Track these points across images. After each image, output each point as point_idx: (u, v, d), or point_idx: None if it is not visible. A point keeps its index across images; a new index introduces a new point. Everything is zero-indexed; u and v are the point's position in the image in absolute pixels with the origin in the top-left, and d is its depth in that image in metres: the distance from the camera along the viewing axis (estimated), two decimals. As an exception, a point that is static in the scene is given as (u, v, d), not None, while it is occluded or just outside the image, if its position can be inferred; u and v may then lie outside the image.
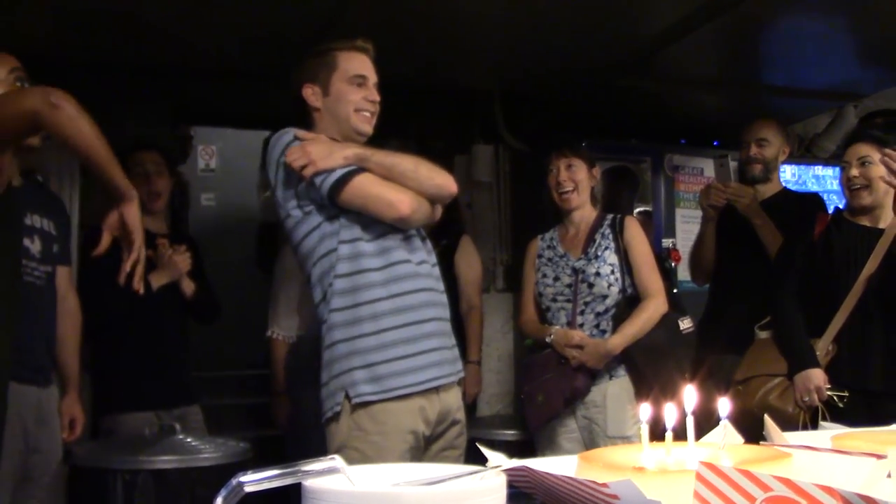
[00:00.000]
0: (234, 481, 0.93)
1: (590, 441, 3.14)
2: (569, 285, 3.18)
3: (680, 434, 1.10)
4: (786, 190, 3.85)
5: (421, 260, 2.41)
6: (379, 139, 2.58)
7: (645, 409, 1.10)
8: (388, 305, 2.31)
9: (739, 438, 1.25)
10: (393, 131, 4.61)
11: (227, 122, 5.23)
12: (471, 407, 4.04)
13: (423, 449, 2.38)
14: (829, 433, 1.30)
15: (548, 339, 3.16)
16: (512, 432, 3.49)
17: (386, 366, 2.29)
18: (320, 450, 2.44)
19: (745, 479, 0.80)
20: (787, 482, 0.77)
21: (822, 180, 5.15)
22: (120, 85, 4.00)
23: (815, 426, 2.93)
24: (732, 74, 4.29)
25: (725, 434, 1.09)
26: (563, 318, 3.18)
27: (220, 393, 4.51)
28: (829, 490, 0.73)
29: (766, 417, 1.31)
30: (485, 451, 1.17)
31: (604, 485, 0.93)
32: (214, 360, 4.71)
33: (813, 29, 3.69)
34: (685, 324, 3.19)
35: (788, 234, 3.30)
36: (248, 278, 4.81)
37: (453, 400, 2.44)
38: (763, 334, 3.22)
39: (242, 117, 4.95)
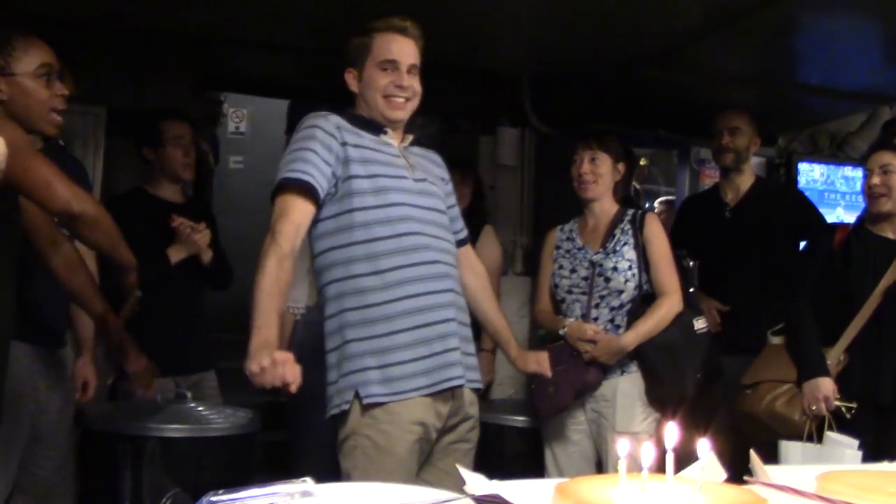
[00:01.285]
0: (204, 500, 0.94)
1: (597, 435, 3.14)
2: (585, 278, 3.17)
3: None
4: (760, 180, 3.91)
5: (436, 260, 2.38)
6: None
7: (623, 445, 1.10)
8: (402, 307, 2.29)
9: (722, 474, 1.25)
10: (419, 110, 4.63)
11: (255, 90, 5.23)
12: (483, 391, 4.06)
13: (433, 441, 2.38)
14: (814, 472, 1.29)
15: (561, 332, 3.16)
16: (522, 418, 3.47)
17: (399, 368, 2.28)
18: (322, 425, 2.48)
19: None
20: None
21: (851, 182, 5.08)
22: (149, 51, 4.02)
23: (820, 436, 2.93)
24: (765, 71, 4.22)
25: (703, 475, 1.09)
26: (578, 310, 3.17)
27: (235, 356, 4.56)
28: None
29: (752, 454, 1.30)
30: (463, 472, 1.18)
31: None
32: (234, 323, 4.76)
33: (849, 29, 3.62)
34: (700, 323, 3.16)
35: (809, 240, 3.28)
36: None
37: (467, 397, 2.44)
38: (776, 340, 3.20)
39: (270, 86, 4.96)
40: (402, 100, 2.40)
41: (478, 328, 3.92)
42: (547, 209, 4.49)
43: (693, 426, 3.65)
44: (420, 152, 2.54)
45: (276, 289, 2.16)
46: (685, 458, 1.18)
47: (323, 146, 2.29)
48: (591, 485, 1.11)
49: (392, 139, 2.44)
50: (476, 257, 2.75)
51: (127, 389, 3.40)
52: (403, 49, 2.40)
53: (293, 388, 2.05)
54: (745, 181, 3.76)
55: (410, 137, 2.51)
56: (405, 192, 2.37)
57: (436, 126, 2.59)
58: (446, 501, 1.04)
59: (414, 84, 2.42)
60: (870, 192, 3.05)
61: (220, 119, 5.46)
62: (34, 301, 2.75)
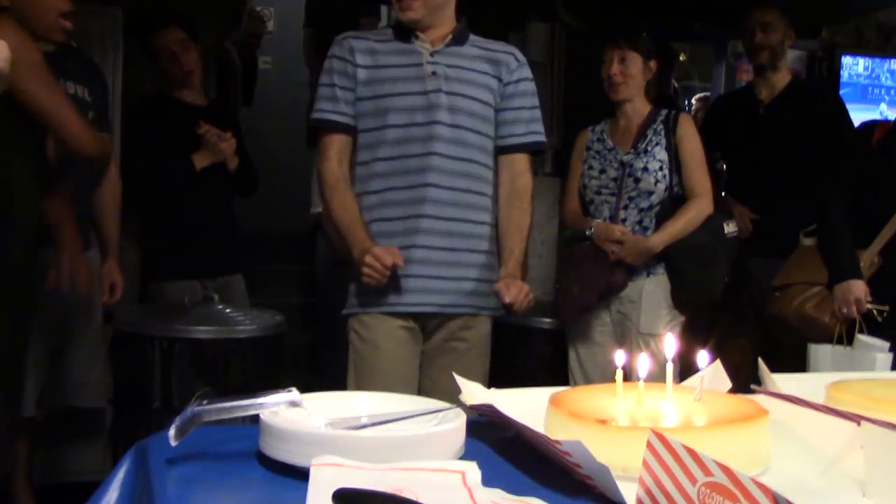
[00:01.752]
0: (188, 410, 0.93)
1: (621, 336, 3.13)
2: (614, 179, 3.11)
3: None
4: (797, 79, 3.80)
5: (426, 183, 2.36)
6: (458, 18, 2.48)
7: (620, 356, 1.07)
8: (376, 228, 2.38)
9: (726, 383, 1.22)
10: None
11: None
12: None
13: (420, 337, 2.45)
14: (824, 380, 1.25)
15: (588, 232, 3.12)
16: (548, 320, 3.48)
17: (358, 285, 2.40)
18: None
19: (691, 459, 0.78)
20: (726, 470, 0.74)
21: (896, 75, 4.89)
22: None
23: (851, 339, 2.88)
24: (809, -41, 4.01)
25: (701, 387, 1.06)
26: (606, 211, 3.12)
27: (264, 258, 4.61)
28: (763, 489, 0.70)
29: (760, 362, 1.27)
30: (459, 380, 1.17)
31: (557, 441, 0.92)
32: (261, 225, 4.80)
33: None
34: (730, 227, 3.10)
35: (844, 138, 3.16)
36: (302, 143, 4.83)
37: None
38: (808, 241, 3.13)
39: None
40: (407, 2, 2.33)
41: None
42: (577, 108, 4.37)
43: (722, 331, 3.63)
44: (475, 51, 2.43)
45: (344, 210, 2.38)
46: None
47: (339, 74, 2.40)
48: (587, 394, 1.09)
49: (424, 44, 2.38)
50: (522, 169, 2.49)
51: (154, 294, 3.45)
52: None
53: (400, 264, 2.27)
54: (781, 79, 3.62)
55: (449, 39, 2.40)
56: (406, 112, 2.36)
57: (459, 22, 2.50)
58: (437, 411, 1.02)
59: None
60: None
61: (242, 19, 5.32)
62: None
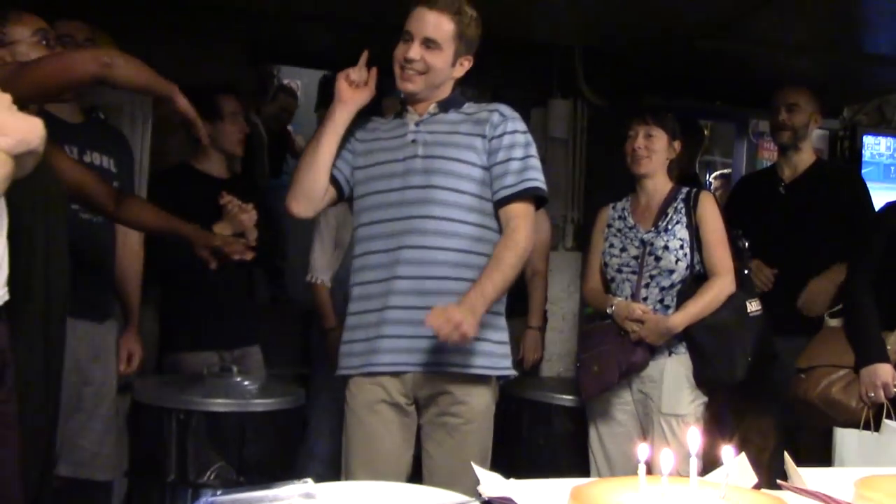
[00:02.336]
0: (202, 500, 0.92)
1: (643, 416, 3.09)
2: (635, 257, 3.10)
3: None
4: (821, 161, 3.77)
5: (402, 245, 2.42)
6: (454, 87, 2.51)
7: (643, 449, 1.05)
8: (355, 292, 2.49)
9: (752, 478, 1.19)
10: (469, 80, 4.56)
11: (308, 62, 5.21)
12: (532, 369, 4.02)
13: (407, 409, 2.46)
14: (853, 475, 1.22)
15: (609, 310, 3.10)
16: (570, 397, 3.42)
17: (345, 346, 2.50)
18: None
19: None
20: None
21: (919, 155, 4.88)
22: (198, 23, 4.01)
23: (878, 424, 2.82)
24: (829, 40, 4.05)
25: (727, 483, 1.03)
26: (628, 289, 3.10)
27: (285, 327, 4.61)
28: None
29: (787, 456, 1.24)
30: (478, 471, 1.14)
31: (577, 540, 0.89)
32: (281, 293, 4.83)
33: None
34: (753, 306, 3.07)
35: (868, 221, 3.14)
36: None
37: (429, 380, 2.43)
38: (833, 322, 3.09)
39: (322, 58, 4.93)
40: (410, 72, 2.39)
41: (524, 304, 3.90)
42: (599, 184, 4.40)
43: (746, 411, 3.57)
44: (458, 116, 2.47)
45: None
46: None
47: (340, 146, 2.51)
48: (608, 488, 1.06)
49: (412, 116, 2.49)
50: (515, 216, 2.42)
51: (172, 365, 3.44)
52: (424, 20, 2.37)
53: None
54: (804, 160, 3.62)
55: (434, 108, 2.46)
56: (384, 179, 2.45)
57: (485, 100, 2.55)
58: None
59: (428, 58, 2.38)
60: None
61: (269, 92, 5.42)
62: (76, 275, 2.78)
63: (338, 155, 2.49)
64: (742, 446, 3.45)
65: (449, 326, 2.16)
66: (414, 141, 2.44)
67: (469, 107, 2.50)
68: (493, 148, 2.42)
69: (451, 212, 2.39)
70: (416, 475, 2.48)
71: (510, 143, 2.42)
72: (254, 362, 3.56)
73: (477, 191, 2.42)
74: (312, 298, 3.70)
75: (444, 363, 2.38)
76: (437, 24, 2.37)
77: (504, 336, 2.51)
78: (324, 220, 3.60)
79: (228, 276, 3.47)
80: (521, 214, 2.42)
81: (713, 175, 5.79)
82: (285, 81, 5.66)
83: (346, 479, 2.43)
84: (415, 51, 2.37)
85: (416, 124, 2.46)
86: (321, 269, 3.63)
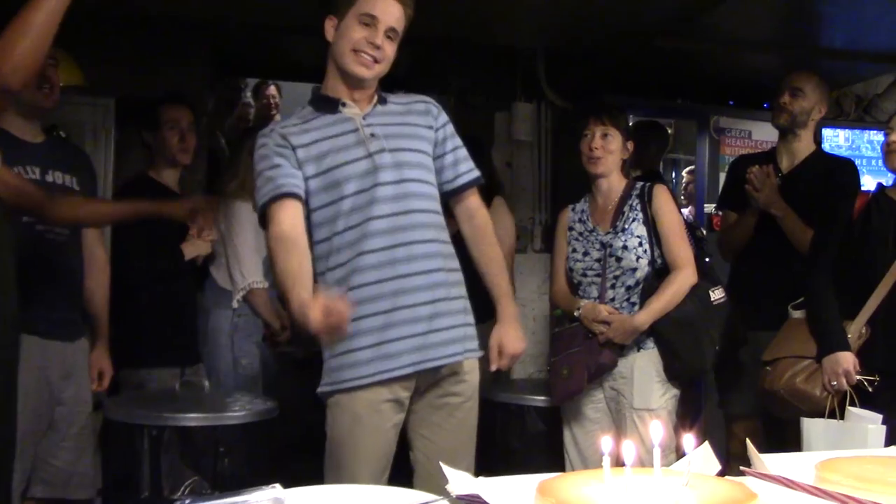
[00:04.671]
0: (172, 509, 0.92)
1: (616, 413, 3.12)
2: (598, 260, 3.12)
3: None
4: (820, 152, 3.67)
5: (394, 244, 2.32)
6: (419, 92, 2.51)
7: (606, 442, 1.07)
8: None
9: (715, 465, 1.21)
10: (433, 85, 4.58)
11: (274, 74, 5.20)
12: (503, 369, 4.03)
13: (406, 406, 2.37)
14: (814, 459, 1.25)
15: (576, 314, 3.12)
16: (542, 398, 3.45)
17: (339, 358, 2.32)
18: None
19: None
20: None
21: (877, 146, 4.95)
22: (160, 39, 4.00)
23: (843, 412, 2.86)
24: (785, 35, 4.11)
25: (689, 470, 1.05)
26: (595, 292, 3.13)
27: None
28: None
29: (749, 443, 1.26)
30: (446, 470, 1.16)
31: (543, 532, 0.91)
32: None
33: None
34: (716, 294, 3.10)
35: (827, 211, 3.17)
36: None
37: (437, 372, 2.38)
38: (797, 314, 3.12)
39: (286, 69, 4.94)
40: (370, 58, 2.31)
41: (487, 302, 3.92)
42: (565, 185, 4.44)
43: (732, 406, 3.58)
44: (398, 107, 2.45)
45: (285, 265, 2.24)
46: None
47: (279, 156, 2.30)
48: (574, 481, 1.08)
49: (353, 110, 2.37)
50: (479, 207, 2.52)
51: (136, 382, 3.42)
52: (387, 8, 2.32)
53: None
54: (803, 149, 3.54)
55: (375, 100, 2.41)
56: (364, 177, 2.30)
57: (450, 104, 2.55)
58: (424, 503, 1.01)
59: (387, 49, 2.33)
60: (887, 149, 2.93)
61: (236, 105, 5.41)
62: (44, 295, 2.77)
63: (286, 173, 2.29)
64: (729, 441, 3.50)
65: (516, 360, 2.46)
66: (373, 135, 2.35)
67: (394, 97, 2.48)
68: (441, 138, 2.46)
69: (427, 203, 2.38)
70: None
71: (451, 132, 2.50)
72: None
73: (433, 181, 2.44)
74: (254, 306, 3.64)
75: (453, 353, 2.36)
76: (400, 16, 2.34)
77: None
78: (239, 222, 3.57)
79: (189, 291, 3.50)
80: (480, 204, 2.53)
81: (686, 170, 5.85)
82: (270, 83, 5.61)
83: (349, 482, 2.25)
84: (381, 38, 2.31)
85: (364, 118, 2.37)
86: (256, 271, 3.60)
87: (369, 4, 2.31)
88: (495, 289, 2.48)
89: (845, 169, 3.57)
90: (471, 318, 2.43)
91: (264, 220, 2.32)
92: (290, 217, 2.29)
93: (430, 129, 2.45)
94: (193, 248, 3.39)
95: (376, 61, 2.33)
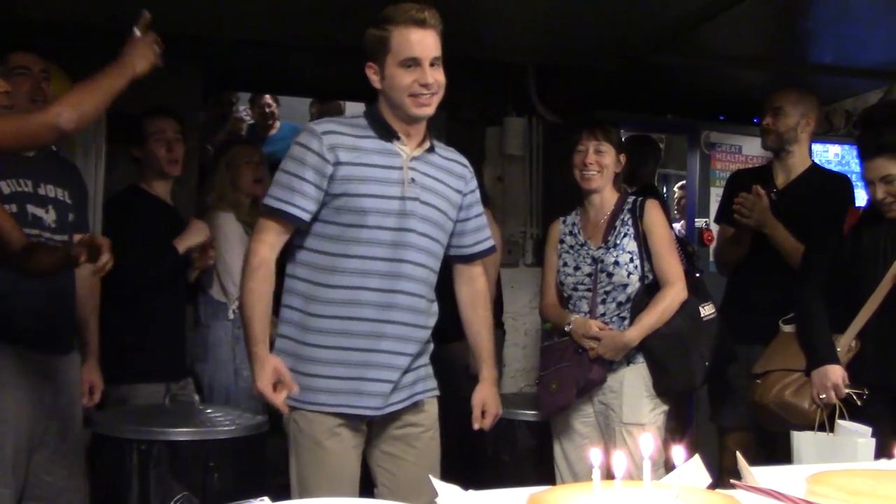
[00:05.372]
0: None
1: (605, 427, 3.11)
2: (589, 275, 3.12)
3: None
4: (815, 167, 3.70)
5: (393, 289, 2.37)
6: None
7: (595, 454, 1.06)
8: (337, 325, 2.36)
9: (706, 478, 1.21)
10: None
11: (261, 88, 5.21)
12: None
13: (365, 431, 2.42)
14: (804, 472, 1.25)
15: (566, 328, 3.12)
16: (533, 412, 3.44)
17: (310, 380, 2.36)
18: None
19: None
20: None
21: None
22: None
23: (832, 425, 2.86)
24: (774, 51, 4.15)
25: (680, 483, 1.05)
26: (585, 306, 3.12)
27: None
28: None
29: (739, 456, 1.26)
30: (436, 483, 1.15)
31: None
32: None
33: (862, 4, 3.53)
34: (707, 310, 3.10)
35: (818, 225, 3.18)
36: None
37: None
38: (787, 328, 3.13)
39: (278, 84, 4.94)
40: (427, 96, 2.30)
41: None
42: (556, 199, 4.44)
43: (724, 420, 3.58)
44: (441, 161, 2.48)
45: (258, 301, 2.34)
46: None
47: (314, 171, 2.30)
48: (564, 494, 1.08)
49: (404, 147, 2.38)
50: (481, 274, 2.66)
51: (122, 396, 3.40)
52: (424, 42, 2.29)
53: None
54: (797, 165, 3.57)
55: (428, 144, 2.43)
56: (382, 214, 2.33)
57: (440, 120, 2.56)
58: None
59: (438, 77, 2.32)
60: (880, 206, 2.92)
61: (228, 119, 5.42)
62: (36, 309, 2.76)
63: (307, 193, 2.31)
64: (721, 455, 3.50)
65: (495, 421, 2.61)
66: (413, 180, 2.37)
67: (440, 148, 2.51)
68: (467, 203, 2.55)
69: (432, 261, 2.44)
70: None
71: (477, 199, 2.60)
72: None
73: (445, 242, 2.51)
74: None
75: (416, 393, 2.46)
76: (436, 43, 2.33)
77: None
78: (224, 235, 3.59)
79: (178, 304, 3.49)
80: (483, 271, 2.68)
81: (678, 185, 5.88)
82: (267, 98, 5.62)
83: None
84: (430, 74, 2.29)
85: (411, 160, 2.38)
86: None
87: (407, 48, 2.28)
88: (483, 352, 2.63)
89: (840, 183, 3.59)
90: (428, 360, 2.53)
91: (262, 215, 2.40)
92: (275, 239, 2.36)
93: (460, 195, 2.52)
94: (183, 242, 3.39)
95: (433, 95, 2.33)
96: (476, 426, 2.56)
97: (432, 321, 2.49)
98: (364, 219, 2.31)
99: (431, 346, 2.53)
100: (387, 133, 2.37)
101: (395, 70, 2.29)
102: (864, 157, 2.93)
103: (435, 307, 2.50)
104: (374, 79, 2.36)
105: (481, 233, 2.61)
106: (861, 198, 3.39)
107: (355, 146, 2.33)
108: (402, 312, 2.36)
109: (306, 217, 2.33)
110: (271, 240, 2.35)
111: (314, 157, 2.30)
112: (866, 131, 3.04)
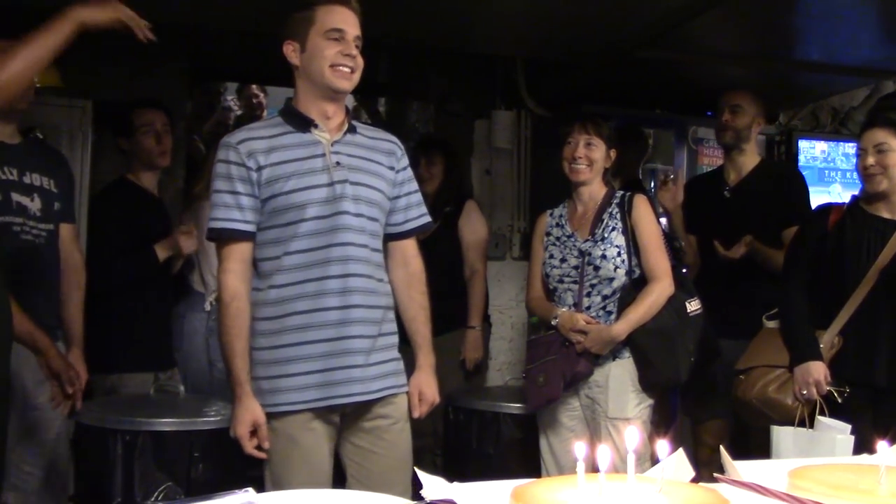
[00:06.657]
0: (142, 513, 0.91)
1: (591, 420, 3.12)
2: (575, 267, 3.12)
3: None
4: (763, 161, 3.87)
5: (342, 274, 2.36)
6: (399, 99, 2.52)
7: (580, 447, 1.07)
8: (291, 322, 2.34)
9: (689, 472, 1.22)
10: (413, 93, 4.59)
11: (248, 78, 5.19)
12: (477, 374, 4.04)
13: (338, 424, 2.41)
14: (786, 466, 1.26)
15: (553, 321, 3.13)
16: (518, 405, 3.46)
17: (276, 381, 2.35)
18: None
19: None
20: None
21: (851, 158, 5.00)
22: (137, 43, 3.96)
23: (813, 421, 2.89)
24: (762, 48, 4.14)
25: (663, 476, 1.06)
26: (570, 299, 3.13)
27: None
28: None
29: (722, 449, 1.27)
30: (421, 475, 1.16)
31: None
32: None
33: (849, 2, 3.54)
34: (692, 305, 3.12)
35: (801, 222, 3.22)
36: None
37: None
38: (770, 324, 3.15)
39: (265, 74, 4.92)
40: (348, 70, 2.33)
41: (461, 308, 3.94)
42: (544, 192, 4.45)
43: (699, 413, 3.62)
44: (366, 140, 2.47)
45: (236, 338, 2.33)
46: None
47: (240, 181, 2.32)
48: (548, 487, 1.08)
49: (323, 133, 2.38)
50: (416, 255, 2.60)
51: (110, 386, 3.40)
52: (348, 19, 2.34)
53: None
54: (748, 162, 3.71)
55: (346, 127, 2.43)
56: (316, 205, 2.32)
57: (429, 111, 2.56)
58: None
59: (359, 57, 2.36)
60: (865, 173, 2.99)
61: (215, 110, 5.40)
62: (21, 299, 2.74)
63: (244, 204, 2.32)
64: (696, 448, 3.53)
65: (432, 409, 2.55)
66: (338, 164, 2.37)
67: (363, 128, 2.51)
68: (400, 180, 2.52)
69: (372, 240, 2.43)
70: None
71: (409, 176, 2.56)
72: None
73: (383, 220, 2.49)
74: None
75: (387, 387, 2.44)
76: (358, 23, 2.37)
77: None
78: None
79: (164, 295, 3.48)
80: (417, 251, 2.60)
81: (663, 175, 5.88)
82: (254, 88, 5.60)
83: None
84: (353, 49, 2.33)
85: (333, 144, 2.38)
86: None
87: (332, 19, 2.33)
88: (419, 337, 2.56)
89: (789, 173, 3.82)
90: (398, 354, 2.50)
91: (215, 243, 2.40)
92: (241, 264, 2.35)
93: (392, 171, 2.50)
94: (164, 250, 3.37)
95: (353, 71, 2.35)
96: (415, 414, 2.51)
97: (386, 300, 2.46)
98: (300, 213, 2.32)
99: (396, 339, 2.50)
100: (303, 123, 2.38)
101: (318, 41, 2.32)
102: (865, 127, 3.06)
103: (387, 286, 2.48)
104: (293, 56, 2.36)
105: (413, 210, 2.56)
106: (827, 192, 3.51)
107: (271, 147, 2.33)
108: (355, 295, 2.35)
109: (252, 228, 2.34)
110: (235, 267, 2.35)
111: (237, 169, 2.31)
112: (877, 104, 3.27)
